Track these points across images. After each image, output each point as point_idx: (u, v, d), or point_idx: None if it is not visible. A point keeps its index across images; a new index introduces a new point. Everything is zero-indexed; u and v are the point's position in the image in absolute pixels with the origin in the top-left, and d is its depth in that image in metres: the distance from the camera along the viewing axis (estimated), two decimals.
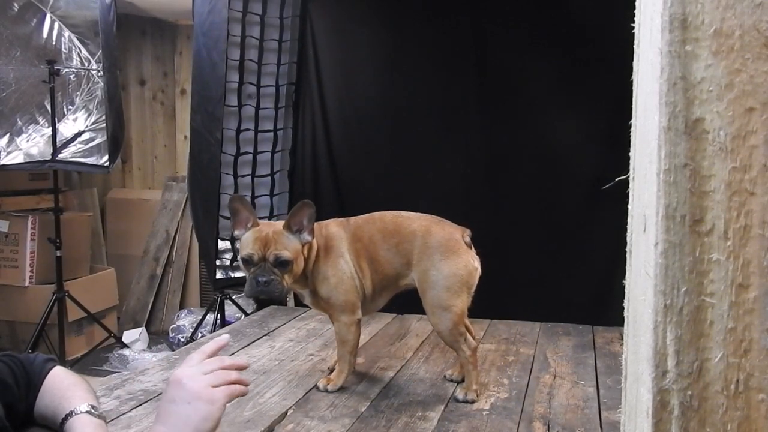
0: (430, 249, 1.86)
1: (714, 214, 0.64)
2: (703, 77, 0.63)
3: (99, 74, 3.62)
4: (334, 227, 1.93)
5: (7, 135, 3.56)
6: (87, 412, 1.14)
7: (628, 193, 0.84)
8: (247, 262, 1.76)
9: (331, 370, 2.01)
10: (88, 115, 3.70)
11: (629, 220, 0.84)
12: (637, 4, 0.79)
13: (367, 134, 3.53)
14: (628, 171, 0.84)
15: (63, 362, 3.59)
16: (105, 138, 3.52)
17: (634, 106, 0.81)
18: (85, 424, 1.12)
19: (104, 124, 3.50)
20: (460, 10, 3.32)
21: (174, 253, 4.61)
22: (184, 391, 1.05)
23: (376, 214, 1.97)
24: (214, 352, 1.15)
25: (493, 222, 3.21)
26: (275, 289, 1.75)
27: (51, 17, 3.68)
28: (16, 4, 3.62)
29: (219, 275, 3.53)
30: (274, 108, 3.63)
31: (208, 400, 1.05)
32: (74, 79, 3.72)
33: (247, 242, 1.76)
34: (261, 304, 3.69)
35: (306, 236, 1.78)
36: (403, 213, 1.96)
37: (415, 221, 1.91)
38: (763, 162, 0.63)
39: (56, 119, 3.54)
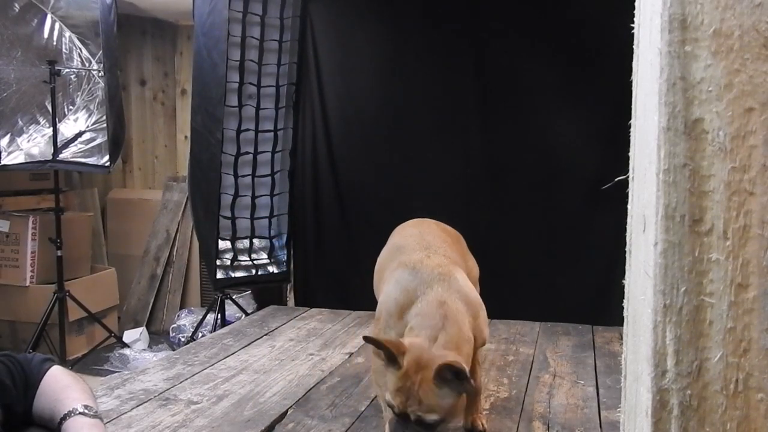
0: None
1: (713, 214, 0.64)
2: (703, 77, 0.63)
3: (100, 74, 3.62)
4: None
5: (8, 135, 3.56)
6: (81, 413, 1.14)
7: (628, 193, 0.84)
8: (389, 407, 1.46)
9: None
10: (89, 116, 3.70)
11: (629, 220, 0.84)
12: (636, 4, 0.79)
13: (367, 134, 3.53)
14: (627, 171, 0.84)
15: (64, 362, 3.59)
16: (106, 138, 3.51)
17: (633, 106, 0.82)
18: (81, 426, 1.12)
19: (105, 125, 3.50)
20: (460, 10, 3.32)
21: (174, 253, 4.60)
22: None
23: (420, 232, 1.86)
24: None
25: (493, 222, 3.21)
26: None
27: (52, 18, 3.68)
28: (16, 5, 3.62)
29: (219, 275, 3.53)
30: (274, 108, 3.63)
31: None
32: (75, 79, 3.72)
33: (389, 385, 1.43)
34: (261, 304, 3.70)
35: (468, 385, 1.41)
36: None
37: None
38: (762, 162, 0.63)
39: (57, 119, 3.54)
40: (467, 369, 1.39)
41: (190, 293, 4.62)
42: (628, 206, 0.84)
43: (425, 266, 1.61)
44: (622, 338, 0.91)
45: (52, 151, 3.52)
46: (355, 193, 3.51)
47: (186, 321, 4.20)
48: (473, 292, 1.65)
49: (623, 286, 0.87)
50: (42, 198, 4.13)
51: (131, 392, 1.89)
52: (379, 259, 1.86)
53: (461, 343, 1.47)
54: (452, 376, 1.37)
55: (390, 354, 1.41)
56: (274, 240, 3.73)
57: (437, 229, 1.89)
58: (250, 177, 3.59)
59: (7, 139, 3.54)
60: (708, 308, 0.65)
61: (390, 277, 1.65)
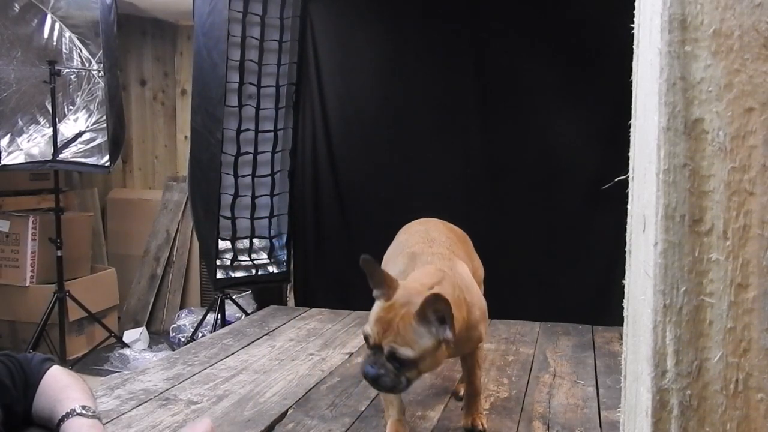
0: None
1: (713, 214, 0.64)
2: (703, 77, 0.63)
3: (100, 74, 3.62)
4: (458, 265, 1.63)
5: (8, 135, 3.56)
6: (79, 414, 1.14)
7: (628, 193, 0.84)
8: (365, 340, 1.43)
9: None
10: (89, 116, 3.70)
11: (629, 220, 0.84)
12: (636, 4, 0.79)
13: (368, 134, 3.53)
14: (627, 171, 0.84)
15: (64, 362, 3.59)
16: (106, 138, 3.51)
17: (633, 106, 0.82)
18: (79, 427, 1.12)
19: (105, 125, 3.50)
20: (459, 10, 3.32)
21: (174, 253, 4.61)
22: None
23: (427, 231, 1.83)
24: None
25: (493, 222, 3.21)
26: (384, 386, 1.38)
27: (52, 18, 3.68)
28: (16, 5, 3.62)
29: (219, 275, 3.53)
30: (274, 108, 3.63)
31: None
32: (75, 79, 3.72)
33: (371, 316, 1.42)
34: (261, 304, 3.70)
35: (447, 332, 1.36)
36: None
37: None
38: (762, 162, 0.63)
39: (57, 119, 3.55)
40: (453, 317, 1.35)
41: (190, 293, 4.62)
42: (628, 206, 0.84)
43: (426, 253, 1.63)
44: (622, 338, 0.91)
45: (52, 151, 3.52)
46: (355, 193, 3.51)
47: (186, 321, 4.20)
48: (474, 285, 1.64)
49: (623, 286, 0.87)
50: (42, 198, 4.13)
51: (131, 392, 1.89)
52: (384, 256, 1.86)
53: (457, 302, 1.44)
54: (435, 319, 1.35)
55: (382, 284, 1.41)
56: (274, 240, 3.73)
57: (443, 227, 1.89)
58: (250, 177, 3.59)
59: (7, 139, 3.55)
60: (708, 308, 0.65)
61: (393, 266, 1.65)
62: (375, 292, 1.44)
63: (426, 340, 1.35)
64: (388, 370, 1.36)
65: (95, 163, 3.58)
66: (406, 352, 1.34)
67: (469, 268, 1.71)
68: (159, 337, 4.38)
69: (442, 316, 1.34)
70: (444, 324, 1.35)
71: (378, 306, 1.41)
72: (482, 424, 1.67)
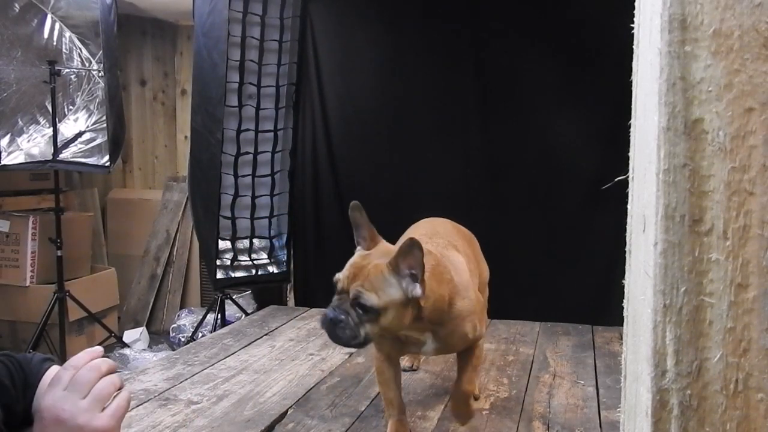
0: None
1: (713, 214, 0.64)
2: (703, 77, 0.63)
3: (100, 74, 3.62)
4: (450, 252, 1.59)
5: (8, 135, 3.56)
6: None
7: (628, 193, 0.84)
8: (333, 287, 1.40)
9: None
10: (89, 116, 3.70)
11: (629, 220, 0.84)
12: (636, 4, 0.79)
13: (367, 134, 3.53)
14: (627, 171, 0.84)
15: (63, 362, 3.58)
16: (106, 138, 3.51)
17: (633, 106, 0.82)
18: None
19: (105, 125, 3.50)
20: (459, 10, 3.32)
21: (174, 253, 4.61)
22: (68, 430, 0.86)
23: (433, 226, 1.80)
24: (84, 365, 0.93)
25: (493, 222, 3.21)
26: (342, 334, 1.33)
27: (52, 18, 3.68)
28: (16, 5, 3.62)
29: (219, 275, 3.53)
30: (274, 108, 3.63)
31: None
32: (75, 79, 3.72)
33: (348, 262, 1.40)
34: (261, 304, 3.70)
35: (416, 289, 1.32)
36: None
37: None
38: (762, 162, 0.63)
39: (57, 119, 3.54)
40: (424, 270, 1.31)
41: (190, 293, 4.62)
42: (628, 206, 0.84)
43: (424, 242, 1.54)
44: (622, 338, 0.91)
45: (52, 151, 3.52)
46: (355, 193, 3.48)
47: (186, 321, 4.21)
48: (466, 274, 1.55)
49: (623, 286, 0.87)
50: (42, 198, 4.13)
51: (131, 392, 1.89)
52: None
53: (438, 276, 1.40)
54: (408, 274, 1.31)
55: (365, 236, 1.42)
56: (274, 240, 3.73)
57: (450, 226, 1.86)
58: (250, 177, 3.59)
59: (7, 139, 3.54)
60: (708, 308, 0.65)
61: None
62: (356, 241, 1.44)
63: (394, 291, 1.31)
64: (349, 317, 1.32)
65: (95, 163, 3.58)
66: (371, 298, 1.29)
67: (472, 267, 1.67)
68: (159, 337, 4.38)
69: (414, 273, 1.31)
70: (416, 281, 1.31)
71: (355, 254, 1.40)
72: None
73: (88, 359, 0.92)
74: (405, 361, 1.94)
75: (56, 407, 0.87)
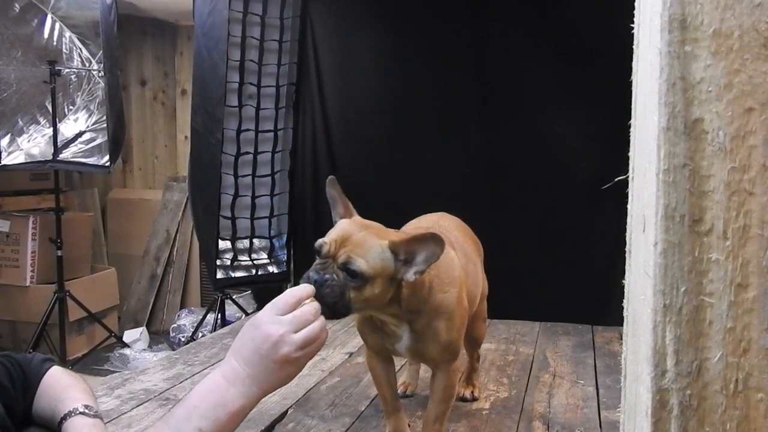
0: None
1: (713, 214, 0.64)
2: (702, 77, 0.63)
3: (100, 74, 3.62)
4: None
5: (9, 135, 3.56)
6: (82, 413, 1.14)
7: (628, 193, 0.84)
8: (316, 252, 1.29)
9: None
10: (89, 116, 3.70)
11: (628, 220, 0.84)
12: (636, 4, 0.79)
13: (367, 134, 3.53)
14: (627, 171, 0.84)
15: (64, 362, 3.60)
16: (106, 138, 3.52)
17: (633, 106, 0.82)
18: (81, 426, 1.12)
19: (105, 125, 3.51)
20: (459, 10, 3.32)
21: (175, 253, 4.61)
22: (277, 353, 1.08)
23: (439, 221, 1.72)
24: (294, 305, 1.09)
25: (493, 222, 3.21)
26: (328, 295, 1.21)
27: (52, 18, 3.68)
28: (17, 5, 3.63)
29: (219, 275, 3.54)
30: (274, 108, 3.64)
31: (297, 365, 1.12)
32: (75, 79, 3.72)
33: (329, 231, 1.34)
34: (261, 304, 3.69)
35: (409, 273, 1.25)
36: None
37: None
38: (762, 162, 0.63)
39: (57, 119, 3.55)
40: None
41: (190, 293, 4.63)
42: (628, 206, 0.84)
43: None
44: (622, 338, 0.91)
45: (53, 151, 3.53)
46: (355, 193, 3.49)
47: (186, 321, 4.21)
48: (458, 270, 1.46)
49: (623, 286, 0.87)
50: (42, 198, 4.13)
51: (131, 392, 1.89)
52: None
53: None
54: (404, 258, 1.25)
55: (342, 210, 1.42)
56: (274, 240, 3.73)
57: (457, 224, 1.80)
58: (250, 177, 3.59)
59: (7, 139, 3.55)
60: (708, 308, 0.65)
61: None
62: (333, 219, 1.41)
63: (386, 264, 1.24)
64: (337, 278, 1.22)
65: (95, 163, 3.59)
66: (360, 263, 1.22)
67: (470, 269, 1.61)
68: (159, 337, 4.38)
69: (407, 258, 1.25)
70: (409, 266, 1.25)
71: (342, 221, 1.36)
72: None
73: (295, 302, 1.11)
74: (401, 387, 1.88)
75: (277, 332, 1.07)
